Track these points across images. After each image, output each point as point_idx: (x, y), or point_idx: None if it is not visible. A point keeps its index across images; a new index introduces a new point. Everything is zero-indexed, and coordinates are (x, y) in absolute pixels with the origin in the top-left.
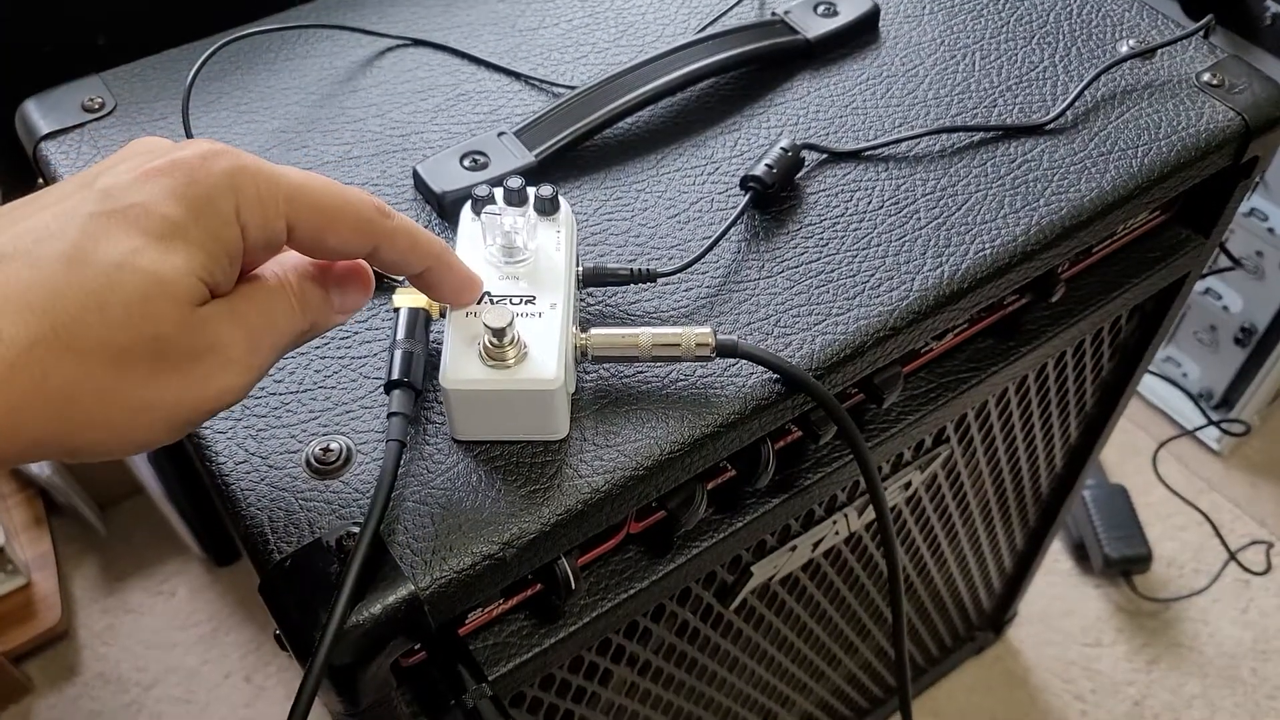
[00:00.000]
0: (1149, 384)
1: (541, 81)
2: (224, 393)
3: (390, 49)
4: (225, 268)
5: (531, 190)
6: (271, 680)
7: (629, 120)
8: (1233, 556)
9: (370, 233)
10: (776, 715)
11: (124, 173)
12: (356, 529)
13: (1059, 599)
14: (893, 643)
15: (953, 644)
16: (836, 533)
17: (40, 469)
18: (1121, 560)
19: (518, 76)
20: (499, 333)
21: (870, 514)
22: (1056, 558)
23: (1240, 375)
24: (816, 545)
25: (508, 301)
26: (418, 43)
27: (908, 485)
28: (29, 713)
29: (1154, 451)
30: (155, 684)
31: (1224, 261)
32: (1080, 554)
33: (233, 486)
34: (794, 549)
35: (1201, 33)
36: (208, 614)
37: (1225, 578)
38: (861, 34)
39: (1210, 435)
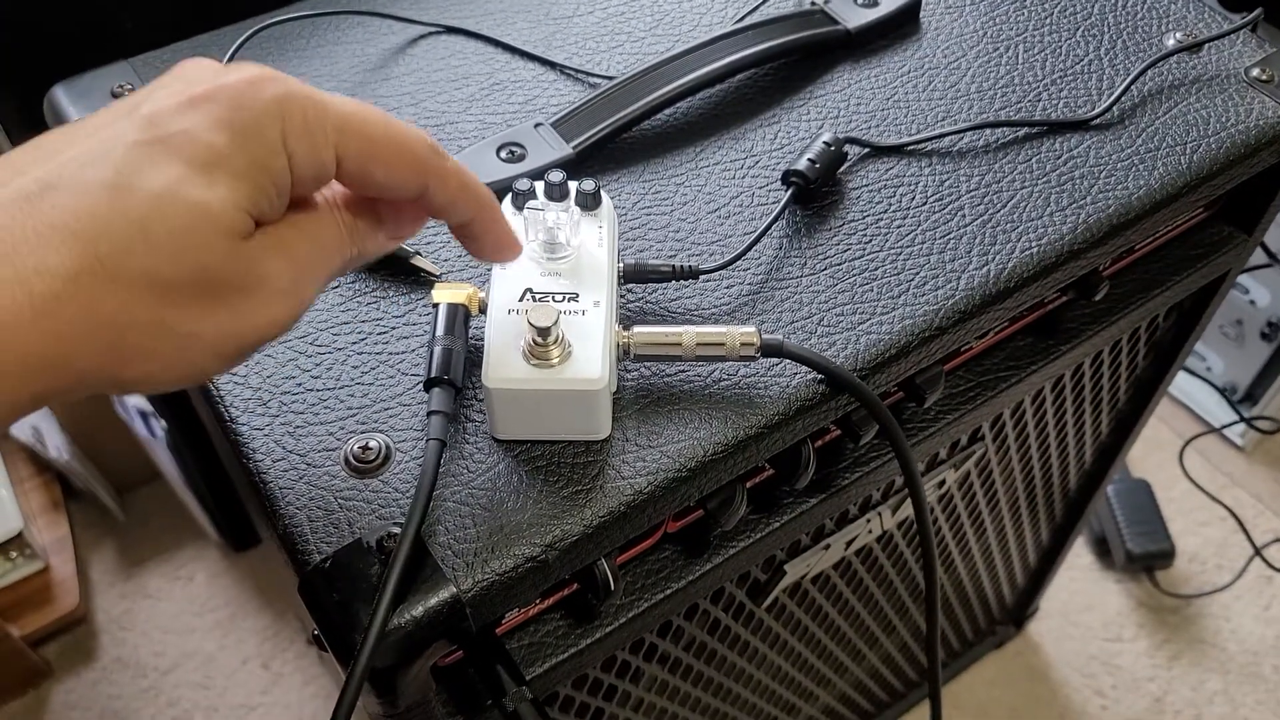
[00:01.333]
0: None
1: (577, 71)
2: (272, 324)
3: (423, 36)
4: (272, 199)
5: (573, 185)
6: (289, 666)
7: (666, 112)
8: (1258, 552)
9: (421, 169)
10: (799, 709)
11: (167, 98)
12: (397, 529)
13: (1080, 594)
14: (925, 647)
15: (974, 638)
16: (870, 531)
17: (58, 453)
18: (1144, 556)
19: (553, 66)
20: (544, 331)
21: (903, 513)
22: (1078, 552)
23: (1266, 370)
24: (849, 544)
25: (550, 299)
26: (451, 30)
27: (941, 484)
28: (47, 697)
29: (1180, 448)
30: (173, 669)
31: (1262, 258)
32: (1102, 549)
33: (270, 485)
34: (827, 548)
35: (1250, 27)
36: (225, 599)
37: (1248, 574)
38: (902, 25)
39: (1234, 430)
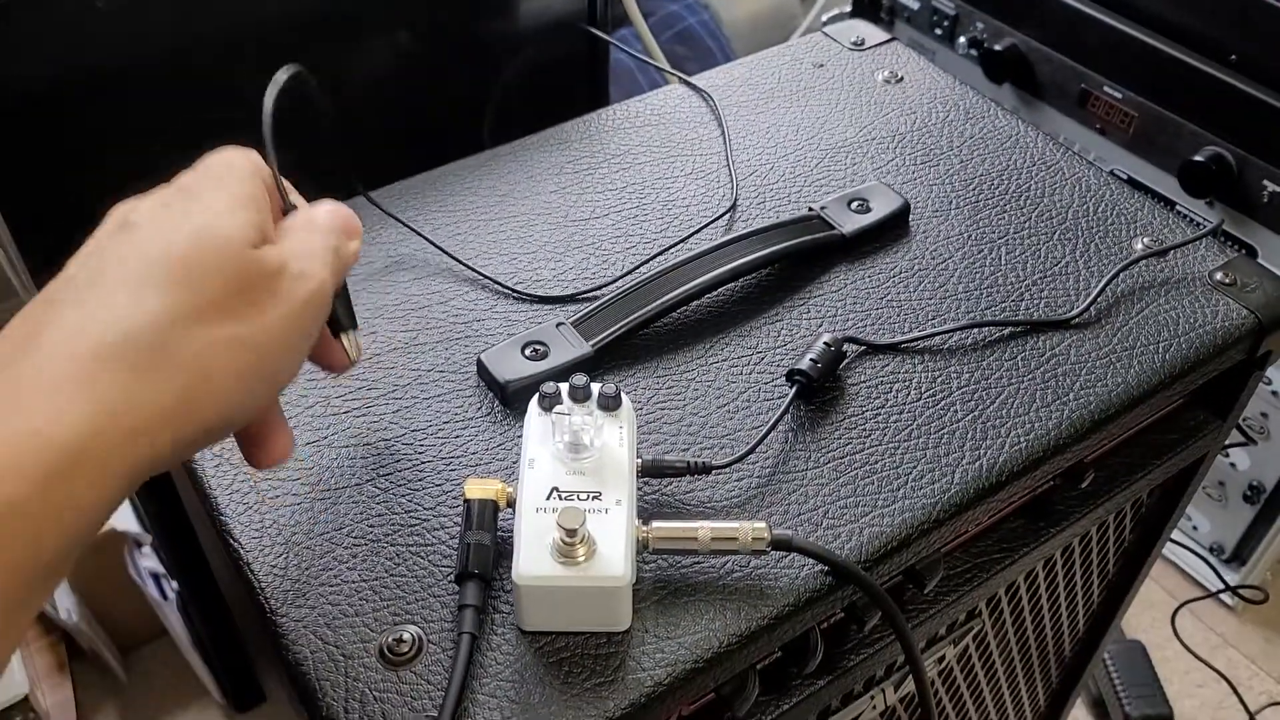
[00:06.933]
0: None
1: (595, 271)
2: (310, 297)
3: (452, 239)
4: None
5: (595, 387)
6: None
7: (678, 311)
8: (1253, 718)
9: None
10: None
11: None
12: None
13: None
14: None
15: None
16: (874, 708)
17: (68, 615)
18: None
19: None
20: (571, 532)
21: (905, 689)
22: (1075, 715)
23: (1250, 531)
24: None
25: (576, 498)
26: (462, 260)
27: (941, 659)
28: None
29: (1173, 611)
30: None
31: (1239, 436)
32: (1100, 711)
33: (309, 677)
34: None
35: (1211, 234)
36: None
37: None
38: (893, 229)
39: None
